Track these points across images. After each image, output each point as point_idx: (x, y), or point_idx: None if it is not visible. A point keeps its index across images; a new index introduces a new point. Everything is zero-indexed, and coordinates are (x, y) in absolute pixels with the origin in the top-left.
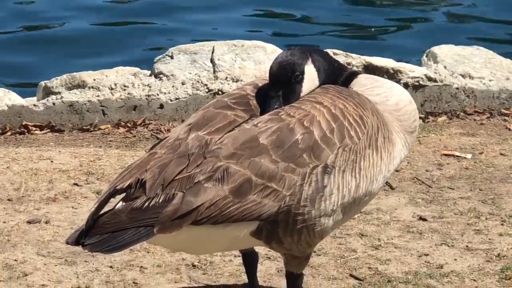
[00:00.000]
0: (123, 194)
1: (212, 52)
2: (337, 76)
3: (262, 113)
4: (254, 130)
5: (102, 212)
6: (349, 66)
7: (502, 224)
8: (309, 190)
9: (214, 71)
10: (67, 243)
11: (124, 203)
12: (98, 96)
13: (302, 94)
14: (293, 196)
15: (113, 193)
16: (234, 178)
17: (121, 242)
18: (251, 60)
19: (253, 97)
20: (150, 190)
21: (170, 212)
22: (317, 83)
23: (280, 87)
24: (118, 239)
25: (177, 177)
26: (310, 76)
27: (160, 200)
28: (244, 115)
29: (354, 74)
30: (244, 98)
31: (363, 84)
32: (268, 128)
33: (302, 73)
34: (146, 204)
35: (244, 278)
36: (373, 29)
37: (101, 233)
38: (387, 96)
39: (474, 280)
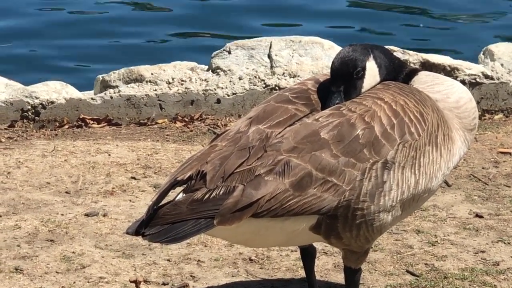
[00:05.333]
0: (184, 186)
1: (270, 47)
2: (397, 73)
3: (323, 108)
4: (315, 124)
5: (162, 203)
6: None
7: None
8: (369, 185)
9: (272, 67)
10: (127, 233)
11: (184, 195)
12: (155, 90)
13: (363, 90)
14: (353, 191)
15: (174, 184)
16: (295, 171)
17: (181, 233)
18: (308, 56)
19: (314, 91)
20: (210, 182)
21: (231, 204)
22: (378, 79)
23: (341, 83)
24: (178, 230)
25: (237, 170)
26: (372, 72)
27: (221, 192)
28: (305, 109)
29: (414, 71)
30: (305, 92)
31: (424, 81)
32: (329, 123)
33: (364, 69)
34: (207, 196)
35: (301, 273)
36: (421, 25)
37: (161, 223)
38: (447, 94)
39: None
